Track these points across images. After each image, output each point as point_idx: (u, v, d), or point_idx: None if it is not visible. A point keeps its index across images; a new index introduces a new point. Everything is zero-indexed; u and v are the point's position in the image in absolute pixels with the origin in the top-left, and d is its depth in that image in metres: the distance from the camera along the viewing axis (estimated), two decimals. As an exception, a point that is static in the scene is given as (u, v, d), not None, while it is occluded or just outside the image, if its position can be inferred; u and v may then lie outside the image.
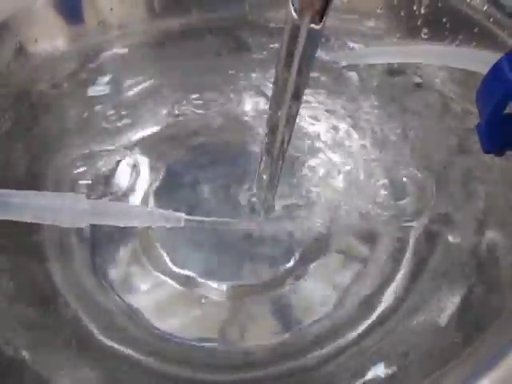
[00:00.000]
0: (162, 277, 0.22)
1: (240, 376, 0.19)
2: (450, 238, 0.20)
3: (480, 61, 0.18)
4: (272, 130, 0.17)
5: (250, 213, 0.23)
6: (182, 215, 0.19)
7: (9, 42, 0.22)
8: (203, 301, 0.22)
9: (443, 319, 0.18)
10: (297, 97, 0.16)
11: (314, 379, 0.18)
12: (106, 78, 0.24)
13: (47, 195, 0.16)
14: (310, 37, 0.14)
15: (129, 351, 0.20)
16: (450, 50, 0.19)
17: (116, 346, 0.20)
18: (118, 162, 0.24)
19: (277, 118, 0.17)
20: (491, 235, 0.19)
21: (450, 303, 0.19)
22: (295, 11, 0.14)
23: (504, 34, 0.19)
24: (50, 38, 0.23)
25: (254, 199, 0.23)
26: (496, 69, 0.17)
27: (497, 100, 0.17)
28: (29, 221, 0.15)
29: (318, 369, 0.18)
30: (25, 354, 0.17)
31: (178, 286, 0.22)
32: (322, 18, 0.13)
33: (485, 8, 0.20)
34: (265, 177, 0.20)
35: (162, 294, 0.22)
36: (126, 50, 0.24)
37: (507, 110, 0.17)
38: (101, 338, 0.20)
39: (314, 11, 0.13)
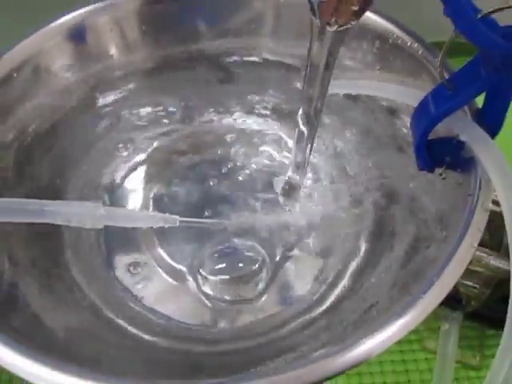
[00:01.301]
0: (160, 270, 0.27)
1: (224, 347, 0.24)
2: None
3: (413, 96, 0.23)
4: (306, 101, 0.21)
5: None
6: (177, 217, 0.24)
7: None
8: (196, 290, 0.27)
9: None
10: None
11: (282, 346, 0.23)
12: (112, 101, 0.29)
13: (73, 203, 0.21)
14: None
15: (133, 329, 0.25)
16: (392, 86, 0.24)
17: (123, 324, 0.25)
18: (125, 175, 0.29)
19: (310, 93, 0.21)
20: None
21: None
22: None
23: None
24: (63, 67, 0.27)
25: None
26: (423, 103, 0.22)
27: (423, 129, 0.21)
28: (59, 223, 0.20)
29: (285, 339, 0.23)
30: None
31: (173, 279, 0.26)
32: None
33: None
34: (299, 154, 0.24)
35: (161, 285, 0.27)
36: (126, 80, 0.28)
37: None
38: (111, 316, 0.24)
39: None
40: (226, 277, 0.25)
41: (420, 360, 0.26)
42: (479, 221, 0.17)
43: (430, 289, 0.16)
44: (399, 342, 0.24)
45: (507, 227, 0.17)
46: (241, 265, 0.26)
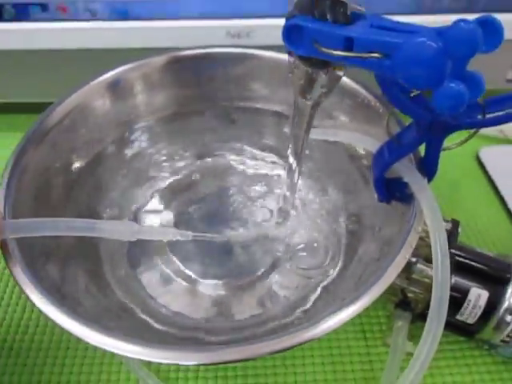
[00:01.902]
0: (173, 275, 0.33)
1: (229, 337, 0.29)
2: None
3: (373, 144, 0.29)
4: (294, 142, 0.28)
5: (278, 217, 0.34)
6: (190, 233, 0.30)
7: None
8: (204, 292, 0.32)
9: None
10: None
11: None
12: (139, 143, 0.37)
13: (114, 222, 0.27)
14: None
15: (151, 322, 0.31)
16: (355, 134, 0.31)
17: (144, 317, 0.31)
18: (143, 203, 0.36)
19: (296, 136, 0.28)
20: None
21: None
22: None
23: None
24: (103, 111, 0.34)
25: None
26: (379, 151, 0.28)
27: (379, 171, 0.28)
28: (104, 236, 0.27)
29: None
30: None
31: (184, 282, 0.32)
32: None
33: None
34: (289, 182, 0.31)
35: (174, 287, 0.33)
36: (151, 124, 0.36)
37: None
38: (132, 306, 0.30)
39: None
40: (227, 280, 0.32)
41: (382, 353, 0.32)
42: (412, 240, 0.24)
43: (375, 284, 0.22)
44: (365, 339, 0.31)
45: (432, 244, 0.24)
46: (239, 269, 0.32)
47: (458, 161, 0.44)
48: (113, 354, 0.21)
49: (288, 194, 0.32)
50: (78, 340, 0.21)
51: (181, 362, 0.20)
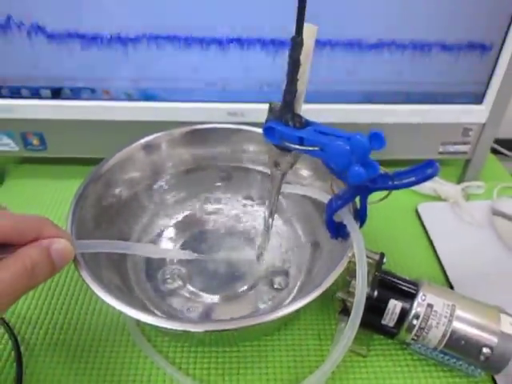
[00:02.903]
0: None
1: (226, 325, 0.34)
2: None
3: (326, 197, 0.42)
4: (268, 214, 0.40)
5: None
6: (194, 254, 0.42)
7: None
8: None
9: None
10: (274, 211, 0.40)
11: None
12: (162, 187, 0.50)
13: (143, 244, 0.40)
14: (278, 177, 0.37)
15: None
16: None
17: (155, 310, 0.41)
18: (162, 231, 0.49)
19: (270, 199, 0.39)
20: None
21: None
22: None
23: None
24: (139, 163, 0.47)
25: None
26: (329, 201, 0.40)
27: (329, 216, 0.40)
28: (136, 253, 0.39)
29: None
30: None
31: (188, 295, 0.44)
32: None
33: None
34: (262, 238, 0.42)
35: (181, 299, 0.44)
36: (171, 174, 0.49)
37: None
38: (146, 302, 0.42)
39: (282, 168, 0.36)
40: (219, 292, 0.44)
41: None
42: (343, 264, 0.36)
43: (314, 291, 0.34)
44: (320, 339, 0.42)
45: (357, 268, 0.36)
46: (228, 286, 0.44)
47: (402, 212, 0.57)
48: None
49: (264, 234, 0.42)
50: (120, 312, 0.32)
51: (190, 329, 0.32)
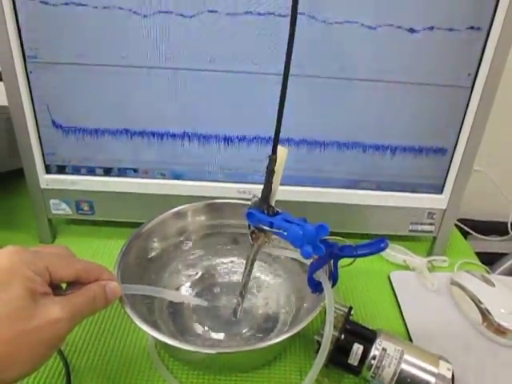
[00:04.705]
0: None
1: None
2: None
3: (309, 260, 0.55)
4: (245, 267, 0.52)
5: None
6: (206, 301, 0.56)
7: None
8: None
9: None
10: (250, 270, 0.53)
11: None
12: (185, 247, 0.63)
13: (169, 291, 0.53)
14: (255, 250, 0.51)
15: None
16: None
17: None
18: (185, 282, 0.61)
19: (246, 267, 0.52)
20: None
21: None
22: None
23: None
24: (172, 227, 0.62)
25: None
26: (311, 264, 0.53)
27: (310, 274, 0.52)
28: (164, 297, 0.52)
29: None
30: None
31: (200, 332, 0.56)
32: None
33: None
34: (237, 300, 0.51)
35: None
36: (194, 238, 0.63)
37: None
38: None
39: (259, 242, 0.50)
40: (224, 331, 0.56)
41: None
42: (316, 311, 0.48)
43: (288, 332, 0.46)
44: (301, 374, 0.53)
45: (326, 316, 0.48)
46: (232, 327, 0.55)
47: (378, 277, 0.69)
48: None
49: (240, 295, 0.50)
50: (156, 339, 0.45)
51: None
